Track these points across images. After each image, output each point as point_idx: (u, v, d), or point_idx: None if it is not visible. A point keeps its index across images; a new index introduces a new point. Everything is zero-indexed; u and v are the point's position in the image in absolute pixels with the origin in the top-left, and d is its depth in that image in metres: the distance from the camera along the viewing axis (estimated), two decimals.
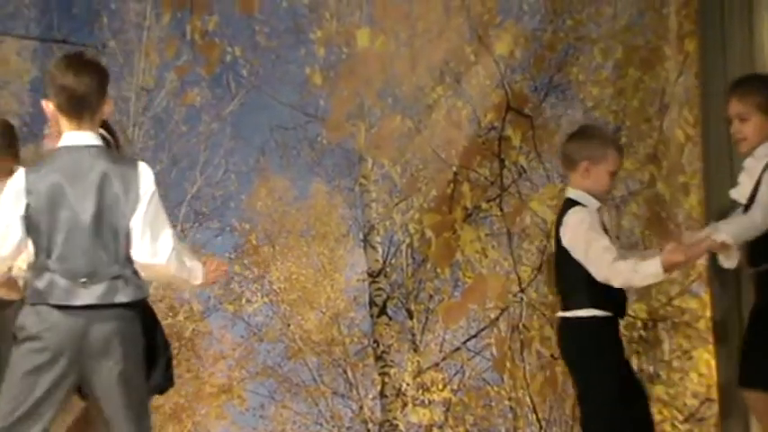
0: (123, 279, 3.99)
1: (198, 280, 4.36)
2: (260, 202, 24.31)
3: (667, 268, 4.90)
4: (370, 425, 21.02)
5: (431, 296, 19.97)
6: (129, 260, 4.02)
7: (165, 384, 4.87)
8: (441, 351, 19.40)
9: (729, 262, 5.08)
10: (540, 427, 11.66)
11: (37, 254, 4.01)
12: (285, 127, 22.09)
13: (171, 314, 22.83)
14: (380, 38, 8.44)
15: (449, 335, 19.08)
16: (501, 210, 6.49)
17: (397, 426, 16.10)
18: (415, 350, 19.01)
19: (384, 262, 18.78)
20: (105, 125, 4.65)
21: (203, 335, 24.21)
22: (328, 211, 23.79)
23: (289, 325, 23.03)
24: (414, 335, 19.63)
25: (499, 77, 8.24)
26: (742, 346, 5.40)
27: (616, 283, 5.03)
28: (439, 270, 11.49)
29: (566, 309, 5.29)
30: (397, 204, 18.45)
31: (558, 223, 5.29)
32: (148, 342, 4.36)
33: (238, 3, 8.52)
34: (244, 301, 23.37)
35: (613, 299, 5.15)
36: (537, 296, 8.01)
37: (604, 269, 4.99)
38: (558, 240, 5.26)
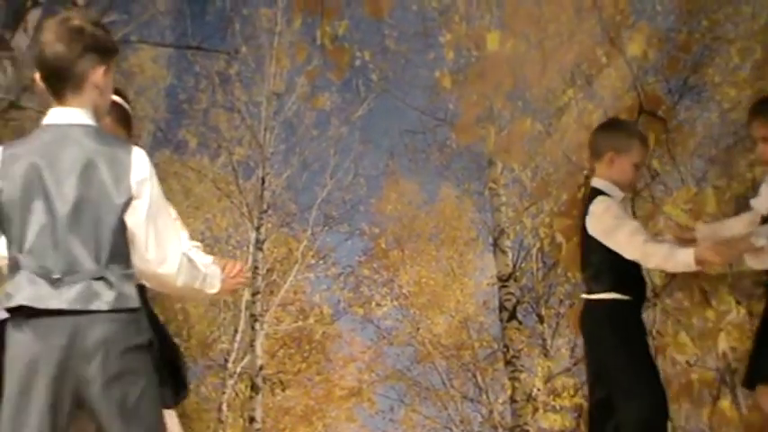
0: (105, 282, 3.38)
1: (214, 288, 3.83)
2: (389, 206, 24.40)
3: (699, 262, 4.98)
4: (500, 430, 20.93)
5: (561, 300, 19.80)
6: (116, 261, 3.42)
7: (175, 398, 4.34)
8: (572, 356, 19.21)
9: (759, 263, 5.14)
10: None
11: (10, 248, 3.45)
12: (414, 131, 22.13)
13: (301, 317, 23.08)
14: (510, 41, 8.38)
15: (580, 340, 18.89)
16: (634, 214, 6.36)
17: (527, 431, 15.97)
18: (546, 355, 18.87)
19: (514, 266, 18.65)
20: (120, 94, 4.28)
21: (333, 338, 24.41)
22: (458, 215, 23.77)
23: (418, 329, 23.06)
24: (544, 339, 19.49)
25: (632, 79, 8.13)
26: (752, 345, 5.52)
27: (650, 264, 5.24)
28: (570, 274, 11.37)
29: (589, 292, 5.45)
30: (527, 208, 18.34)
31: (585, 212, 5.41)
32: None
33: (368, 7, 8.54)
34: (373, 304, 23.49)
35: (633, 284, 5.35)
36: (671, 301, 7.87)
37: (637, 250, 5.13)
38: (584, 228, 5.38)
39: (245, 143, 21.85)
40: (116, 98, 4.20)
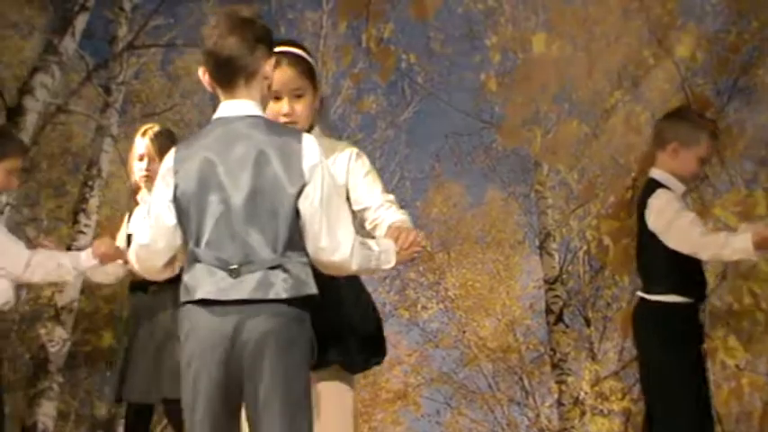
0: (282, 270, 3.39)
1: (389, 263, 3.77)
2: (435, 209, 24.38)
3: (758, 245, 4.78)
4: None
5: (608, 304, 19.70)
6: (291, 248, 3.43)
7: (372, 359, 4.21)
8: (619, 360, 19.09)
9: None
10: None
11: (188, 242, 3.50)
12: (460, 133, 22.11)
13: None
14: (557, 42, 8.36)
15: (627, 343, 18.70)
16: None
17: None
18: (593, 358, 18.77)
19: (560, 269, 18.57)
20: (307, 52, 4.24)
21: None
22: (503, 218, 23.71)
23: (464, 331, 23.02)
24: (591, 343, 19.39)
25: (680, 81, 8.08)
26: None
27: (706, 255, 5.02)
28: (617, 277, 11.33)
29: (647, 291, 5.29)
30: (573, 211, 18.26)
31: (642, 205, 5.27)
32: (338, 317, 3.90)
33: (413, 10, 8.53)
34: (419, 307, 23.46)
35: (693, 284, 5.18)
36: (720, 304, 7.80)
37: (692, 242, 4.97)
38: (642, 222, 5.25)
39: None
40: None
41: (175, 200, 3.49)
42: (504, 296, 22.74)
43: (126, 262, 5.65)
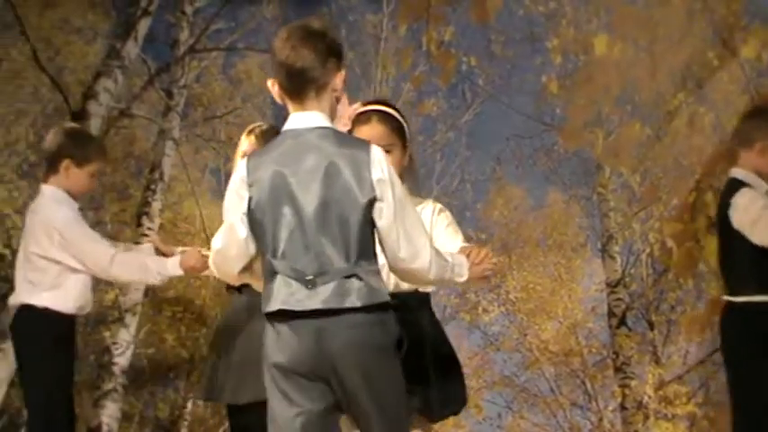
0: (357, 278, 3.42)
1: (462, 277, 3.76)
2: (496, 212, 24.31)
3: None
4: None
5: (672, 307, 19.54)
6: (363, 257, 3.46)
7: (451, 407, 4.21)
8: (684, 364, 18.95)
9: None
10: None
11: (264, 253, 3.56)
12: (521, 136, 22.01)
13: None
14: (619, 44, 8.31)
15: (692, 347, 18.60)
16: None
17: None
18: (657, 362, 18.62)
19: (623, 272, 18.45)
20: (399, 113, 4.32)
21: None
22: (565, 221, 23.59)
23: (525, 335, 22.94)
24: (655, 346, 19.23)
25: (745, 82, 8.00)
26: None
27: None
28: (681, 280, 11.23)
29: (732, 294, 5.21)
30: (636, 213, 18.14)
31: (725, 205, 5.21)
32: (416, 355, 3.85)
33: (474, 13, 8.51)
34: (480, 310, 23.40)
35: None
36: None
37: None
38: (725, 223, 5.20)
39: None
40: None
41: (249, 212, 3.55)
42: (565, 299, 22.63)
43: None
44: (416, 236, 3.56)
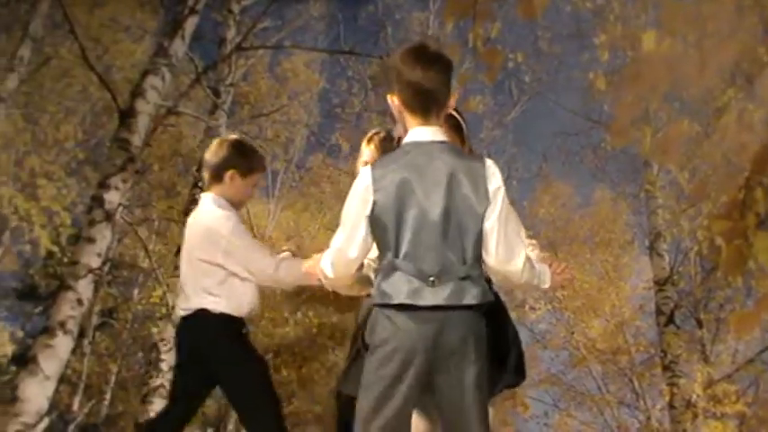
0: (471, 280, 3.85)
1: (546, 284, 4.20)
2: (542, 209, 24.25)
3: None
4: None
5: (721, 305, 19.40)
6: (476, 261, 3.90)
7: (517, 379, 4.67)
8: (733, 362, 18.82)
9: None
10: None
11: (384, 253, 3.93)
12: (568, 133, 21.94)
13: None
14: (667, 40, 8.24)
15: (741, 345, 18.48)
16: None
17: None
18: (706, 361, 18.49)
19: (671, 270, 18.31)
20: (458, 112, 4.67)
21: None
22: (612, 218, 23.48)
23: (572, 332, 22.87)
24: (704, 345, 19.10)
25: None
26: None
27: None
28: (730, 278, 11.14)
29: None
30: (684, 211, 18.00)
31: None
32: (501, 338, 4.35)
33: (521, 9, 8.48)
34: (527, 308, 23.35)
35: None
36: None
37: None
38: None
39: None
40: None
41: (372, 214, 3.92)
42: (613, 297, 22.53)
43: None
44: (515, 242, 3.97)
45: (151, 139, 12.06)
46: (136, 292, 20.02)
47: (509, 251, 3.92)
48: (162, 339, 12.99)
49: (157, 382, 12.66)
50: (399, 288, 3.82)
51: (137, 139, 11.35)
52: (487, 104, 22.36)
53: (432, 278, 3.80)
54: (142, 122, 11.62)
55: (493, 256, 3.90)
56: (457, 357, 3.80)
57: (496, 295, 4.33)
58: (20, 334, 20.32)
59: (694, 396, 15.56)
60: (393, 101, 4.08)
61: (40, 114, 14.82)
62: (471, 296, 3.83)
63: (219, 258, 5.76)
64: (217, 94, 14.47)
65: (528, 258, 4.01)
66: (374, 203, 3.90)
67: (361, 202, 3.94)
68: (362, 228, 3.94)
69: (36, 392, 9.75)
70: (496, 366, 4.28)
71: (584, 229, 24.03)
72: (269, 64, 20.21)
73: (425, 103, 4.02)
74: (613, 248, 23.25)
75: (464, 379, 3.81)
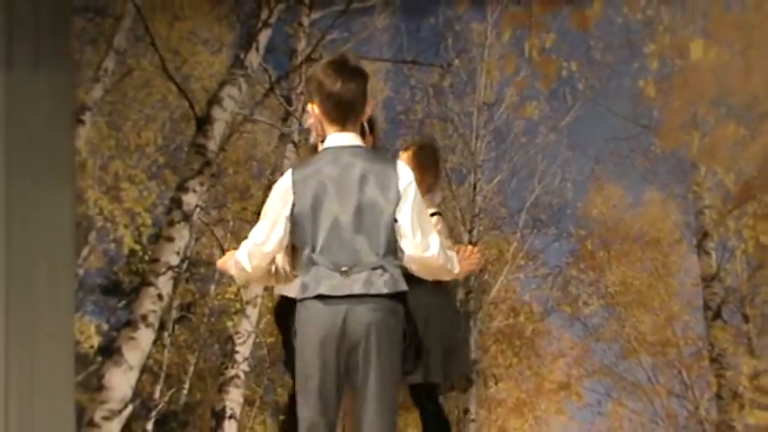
0: (382, 270, 3.95)
1: (456, 269, 4.29)
2: (595, 210, 24.07)
3: None
4: (707, 425, 20.36)
5: (766, 301, 19.15)
6: (389, 253, 4.01)
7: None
8: None
9: None
10: None
11: (303, 249, 4.06)
12: (619, 137, 21.71)
13: (512, 315, 23.00)
14: (714, 49, 8.17)
15: None
16: None
17: (734, 427, 15.47)
18: (752, 354, 18.24)
19: (718, 267, 18.11)
20: (369, 120, 4.74)
21: (542, 334, 24.22)
22: (662, 218, 23.27)
23: (624, 326, 22.69)
24: (750, 339, 18.86)
25: None
26: None
27: None
28: None
29: None
30: (730, 211, 17.78)
31: None
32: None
33: (574, 21, 8.46)
34: (581, 303, 23.21)
35: None
36: None
37: None
38: None
39: (457, 151, 21.92)
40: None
41: (292, 214, 4.07)
42: (662, 293, 22.32)
43: None
44: (430, 232, 4.10)
45: (227, 145, 12.13)
46: (212, 288, 20.09)
47: (425, 240, 4.05)
48: (237, 332, 13.06)
49: (232, 372, 12.73)
50: (317, 280, 3.95)
51: (213, 145, 11.45)
52: (543, 111, 22.18)
53: (344, 268, 3.93)
54: (218, 129, 11.70)
55: (411, 245, 4.04)
56: (363, 343, 3.89)
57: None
58: (105, 327, 20.48)
59: (741, 387, 15.39)
60: (313, 110, 4.24)
61: (123, 122, 14.97)
62: (381, 285, 3.94)
63: None
64: (289, 102, 14.52)
65: (442, 245, 4.15)
66: (293, 204, 4.06)
67: (281, 202, 4.11)
68: (281, 226, 4.10)
69: (120, 381, 9.85)
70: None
71: (635, 229, 23.82)
72: None
73: (344, 113, 4.17)
74: (662, 247, 23.04)
75: (369, 365, 3.90)
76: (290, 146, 14.31)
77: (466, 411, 19.55)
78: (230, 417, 12.26)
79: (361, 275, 3.94)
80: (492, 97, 21.77)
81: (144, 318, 9.90)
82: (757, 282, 18.72)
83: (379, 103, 22.63)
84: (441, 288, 6.01)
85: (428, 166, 6.39)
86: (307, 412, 3.94)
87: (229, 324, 13.21)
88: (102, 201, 15.10)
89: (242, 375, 12.75)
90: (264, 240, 4.16)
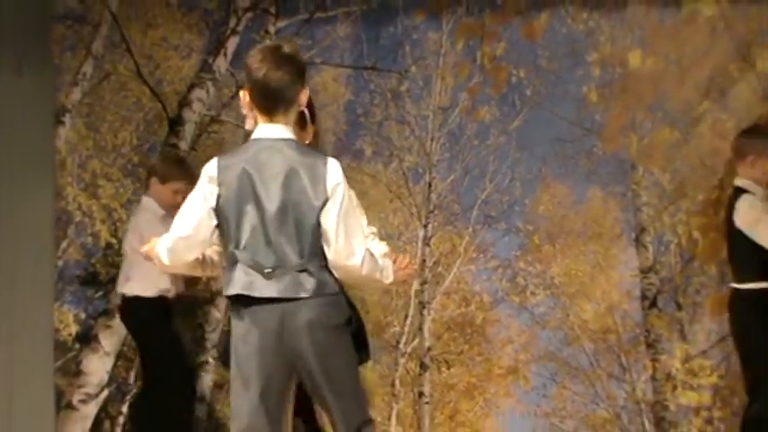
0: (308, 273, 3.54)
1: (389, 279, 3.82)
2: (542, 207, 24.19)
3: None
4: (643, 405, 20.54)
5: (698, 291, 19.32)
6: (315, 255, 3.57)
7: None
8: (707, 340, 18.75)
9: None
10: None
11: (227, 244, 3.65)
12: (564, 140, 21.80)
13: (464, 304, 23.09)
14: (651, 58, 8.28)
15: (715, 325, 18.41)
16: None
17: (667, 406, 15.64)
18: (684, 339, 18.44)
19: (654, 260, 18.28)
20: (309, 105, 4.16)
21: (492, 323, 24.30)
22: (603, 214, 23.42)
23: (568, 315, 22.82)
24: (682, 325, 19.04)
25: (762, 92, 7.94)
26: None
27: None
28: (705, 267, 11.14)
29: (738, 281, 5.38)
30: (665, 208, 17.94)
31: (731, 208, 5.38)
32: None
33: (523, 31, 8.54)
34: (528, 293, 23.30)
35: None
36: None
37: None
38: (730, 223, 5.35)
39: (414, 152, 21.98)
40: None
41: (217, 206, 3.63)
42: (603, 283, 22.48)
43: None
44: (355, 237, 3.62)
45: (197, 144, 12.10)
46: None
47: (348, 247, 3.59)
48: (206, 321, 13.04)
49: (202, 358, 12.71)
50: (238, 278, 3.56)
51: (184, 144, 11.45)
52: (494, 114, 22.23)
53: (267, 270, 3.53)
54: (189, 130, 11.70)
55: (333, 252, 3.59)
56: (304, 346, 3.51)
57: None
58: (83, 316, 20.33)
59: (674, 370, 15.54)
60: (244, 97, 3.81)
61: (101, 123, 14.88)
62: (307, 289, 3.53)
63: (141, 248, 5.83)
64: None
65: (370, 254, 3.70)
66: (218, 196, 3.62)
67: (206, 192, 3.66)
68: (205, 218, 3.65)
69: (97, 367, 9.85)
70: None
71: (578, 224, 23.95)
72: None
73: (271, 102, 3.71)
74: (604, 241, 23.18)
75: (313, 368, 3.54)
76: None
77: (420, 394, 19.66)
78: (200, 399, 12.25)
79: (285, 278, 3.53)
80: (446, 102, 21.82)
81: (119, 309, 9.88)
82: (690, 273, 18.90)
83: (341, 106, 22.61)
84: None
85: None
86: (246, 415, 3.52)
87: (199, 313, 13.18)
88: (80, 197, 15.01)
89: (211, 361, 12.74)
90: (190, 234, 3.69)
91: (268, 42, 3.88)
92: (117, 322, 9.89)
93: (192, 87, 12.02)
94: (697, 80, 8.29)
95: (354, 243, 3.62)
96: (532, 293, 23.32)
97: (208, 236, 3.69)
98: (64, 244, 17.75)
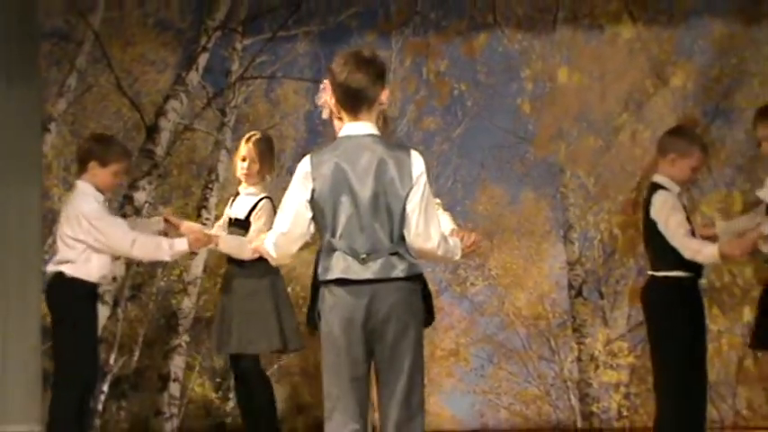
0: (398, 255, 3.65)
1: (457, 256, 4.01)
2: (481, 206, 24.05)
3: (724, 257, 5.05)
4: (569, 383, 20.62)
5: (618, 281, 19.39)
6: (402, 239, 3.68)
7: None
8: (626, 325, 18.87)
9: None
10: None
11: (323, 234, 3.72)
12: (501, 146, 21.75)
13: None
14: (577, 75, 8.44)
15: (633, 312, 18.53)
16: (684, 206, 6.30)
17: (591, 384, 15.73)
18: (606, 324, 18.55)
19: (580, 253, 18.34)
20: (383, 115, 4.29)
21: (437, 310, 24.25)
22: (535, 213, 23.37)
23: (503, 303, 22.81)
24: (604, 312, 19.10)
25: (674, 105, 8.07)
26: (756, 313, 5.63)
27: (686, 255, 5.20)
28: (624, 260, 11.27)
29: (655, 270, 5.51)
30: (590, 208, 18.04)
31: (648, 202, 5.49)
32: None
33: (464, 49, 8.74)
34: (468, 284, 23.24)
35: (693, 262, 5.25)
36: (707, 282, 7.77)
37: (677, 240, 5.19)
38: (647, 215, 5.47)
39: None
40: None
41: (312, 199, 3.68)
42: (535, 275, 22.42)
43: (216, 245, 5.92)
44: (432, 223, 3.72)
45: (171, 150, 12.04)
46: (159, 271, 19.88)
47: (426, 231, 3.70)
48: (179, 309, 12.94)
49: (176, 342, 12.61)
50: (336, 265, 3.64)
51: (160, 150, 11.37)
52: (438, 124, 22.05)
53: (362, 255, 3.61)
54: (164, 137, 11.61)
55: (412, 235, 3.69)
56: (388, 325, 3.62)
57: None
58: None
59: (596, 352, 15.61)
60: (331, 100, 3.88)
61: (84, 130, 14.58)
62: (399, 270, 3.64)
63: (81, 235, 5.69)
64: (224, 114, 14.35)
65: (444, 237, 3.83)
66: (313, 190, 3.68)
67: (302, 188, 3.73)
68: (306, 212, 3.73)
69: None
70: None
71: (513, 222, 23.82)
72: (265, 90, 19.96)
73: (353, 102, 3.76)
74: (535, 237, 23.08)
75: (397, 345, 3.64)
76: (224, 151, 14.21)
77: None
78: (174, 380, 12.13)
79: (378, 261, 3.62)
80: (396, 112, 21.77)
81: (101, 296, 9.78)
82: (611, 265, 18.88)
83: (300, 116, 22.52)
84: (252, 266, 5.98)
85: (269, 154, 6.38)
86: (336, 388, 3.65)
87: (173, 302, 13.07)
88: (65, 197, 14.87)
89: (184, 345, 12.62)
90: (288, 228, 3.78)
91: (349, 50, 3.85)
92: (98, 310, 9.83)
93: (167, 99, 11.89)
94: (617, 95, 8.43)
95: (432, 228, 3.73)
96: (472, 284, 23.17)
97: (305, 228, 3.76)
98: (50, 240, 17.57)
